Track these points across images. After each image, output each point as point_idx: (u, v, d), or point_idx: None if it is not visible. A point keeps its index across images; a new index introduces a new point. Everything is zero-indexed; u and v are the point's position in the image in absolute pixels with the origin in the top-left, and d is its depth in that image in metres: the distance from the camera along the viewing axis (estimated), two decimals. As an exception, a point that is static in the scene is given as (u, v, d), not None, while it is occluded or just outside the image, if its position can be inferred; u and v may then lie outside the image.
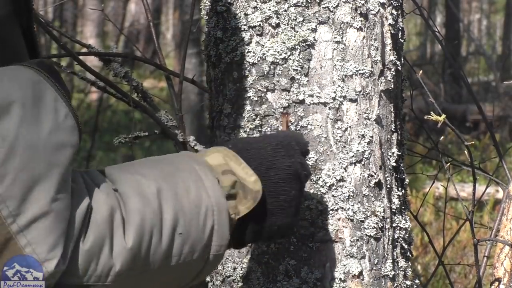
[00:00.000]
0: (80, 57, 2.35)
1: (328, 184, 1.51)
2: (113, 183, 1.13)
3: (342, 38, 1.52)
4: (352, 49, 1.53)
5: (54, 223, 1.02)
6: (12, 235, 1.00)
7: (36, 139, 1.02)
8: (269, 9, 1.51)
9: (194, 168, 1.20)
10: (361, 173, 1.52)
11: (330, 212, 1.51)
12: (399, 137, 1.61)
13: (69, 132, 1.06)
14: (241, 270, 1.54)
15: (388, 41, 1.57)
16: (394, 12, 1.58)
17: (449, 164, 2.21)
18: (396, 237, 1.59)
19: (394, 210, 1.59)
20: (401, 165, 1.64)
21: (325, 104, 1.51)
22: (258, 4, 1.52)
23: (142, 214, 1.10)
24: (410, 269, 1.63)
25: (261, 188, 1.24)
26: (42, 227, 1.01)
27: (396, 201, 1.59)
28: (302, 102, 1.51)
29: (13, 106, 1.01)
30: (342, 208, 1.51)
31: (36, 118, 1.03)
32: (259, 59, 1.52)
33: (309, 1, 1.51)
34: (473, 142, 2.07)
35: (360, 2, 1.52)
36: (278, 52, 1.50)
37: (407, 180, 1.66)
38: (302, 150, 1.33)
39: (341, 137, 1.51)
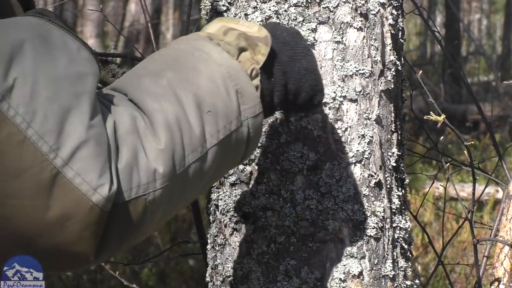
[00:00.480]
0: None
1: (328, 184, 1.51)
2: (125, 93, 1.12)
3: (342, 38, 1.52)
4: (352, 49, 1.53)
5: (96, 149, 1.01)
6: (58, 169, 0.99)
7: (55, 72, 1.01)
8: (269, 9, 1.51)
9: (194, 46, 1.19)
10: (361, 173, 1.52)
11: (330, 212, 1.51)
12: (399, 137, 1.61)
13: (87, 62, 1.06)
14: (241, 270, 1.54)
15: (388, 41, 1.57)
16: (394, 12, 1.58)
17: (449, 164, 2.21)
18: (396, 237, 1.59)
19: (394, 210, 1.59)
20: (401, 165, 1.64)
21: (325, 104, 1.51)
22: (258, 4, 1.52)
23: (162, 110, 1.09)
24: (410, 269, 1.63)
25: (267, 33, 1.23)
26: (86, 155, 1.00)
27: (396, 201, 1.59)
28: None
29: (25, 45, 1.01)
30: (342, 208, 1.51)
31: (49, 54, 1.02)
32: (259, 59, 1.52)
33: (309, 1, 1.51)
34: (473, 142, 2.07)
35: (360, 2, 1.52)
36: (278, 52, 1.50)
37: (407, 180, 1.66)
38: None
39: (341, 137, 1.51)
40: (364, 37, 1.53)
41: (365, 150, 1.53)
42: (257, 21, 1.51)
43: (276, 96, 1.27)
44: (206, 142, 1.13)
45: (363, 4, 1.53)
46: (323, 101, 1.46)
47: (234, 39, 1.21)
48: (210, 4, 1.59)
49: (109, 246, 1.05)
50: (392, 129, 1.59)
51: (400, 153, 1.61)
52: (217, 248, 1.60)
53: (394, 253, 1.58)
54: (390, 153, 1.59)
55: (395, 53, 1.59)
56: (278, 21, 1.50)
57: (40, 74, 1.00)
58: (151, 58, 1.21)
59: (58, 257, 1.03)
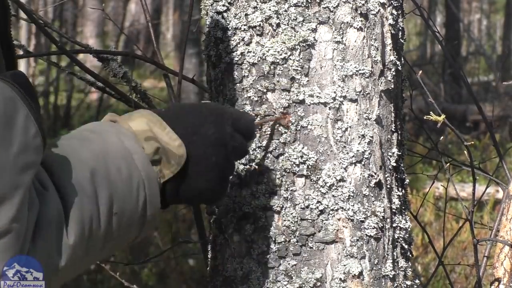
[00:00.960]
0: (80, 57, 2.35)
1: (328, 184, 1.50)
2: (51, 174, 1.13)
3: (342, 38, 1.52)
4: (352, 49, 1.53)
5: (12, 242, 1.04)
6: None
7: (4, 160, 1.03)
8: (269, 9, 1.51)
9: (122, 143, 1.22)
10: (361, 173, 1.52)
11: (330, 212, 1.51)
12: (399, 137, 1.61)
13: (36, 152, 1.07)
14: (241, 270, 1.54)
15: (388, 41, 1.57)
16: (394, 12, 1.58)
17: (449, 164, 2.21)
18: (396, 237, 1.59)
19: (394, 210, 1.58)
20: (401, 165, 1.64)
21: (325, 104, 1.51)
22: (258, 4, 1.52)
23: (80, 206, 1.13)
24: (410, 269, 1.63)
25: (185, 152, 1.27)
26: (1, 245, 1.03)
27: (396, 201, 1.59)
28: (302, 102, 1.51)
29: None
30: (342, 208, 1.51)
31: (6, 138, 1.03)
32: (259, 59, 1.52)
33: (309, 1, 1.51)
34: (473, 142, 2.07)
35: (360, 2, 1.52)
36: (278, 52, 1.50)
37: (407, 180, 1.66)
38: (239, 127, 1.35)
39: (341, 137, 1.51)
40: (364, 37, 1.53)
41: (365, 150, 1.53)
42: (257, 21, 1.51)
43: (168, 201, 1.32)
44: (106, 239, 1.18)
45: (363, 4, 1.53)
46: (323, 101, 1.50)
47: (151, 152, 1.24)
48: (210, 4, 1.59)
49: None
50: (392, 129, 1.59)
51: (400, 153, 1.61)
52: (217, 248, 1.60)
53: (394, 253, 1.58)
54: (390, 153, 1.59)
55: (395, 53, 1.59)
56: (278, 21, 1.50)
57: None
58: (77, 139, 1.22)
59: None
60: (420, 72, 2.07)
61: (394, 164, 1.59)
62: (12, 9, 1.26)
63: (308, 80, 1.51)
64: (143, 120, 1.27)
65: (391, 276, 1.56)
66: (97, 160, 1.18)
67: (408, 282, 1.62)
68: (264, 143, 1.52)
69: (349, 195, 1.51)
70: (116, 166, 1.19)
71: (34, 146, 1.07)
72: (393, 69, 1.57)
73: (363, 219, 1.52)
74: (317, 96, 1.50)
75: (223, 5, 1.55)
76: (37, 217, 1.07)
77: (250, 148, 1.51)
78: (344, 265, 1.51)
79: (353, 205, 1.51)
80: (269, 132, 1.52)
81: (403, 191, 1.64)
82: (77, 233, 1.12)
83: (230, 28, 1.55)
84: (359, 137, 1.53)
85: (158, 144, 1.25)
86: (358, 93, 1.53)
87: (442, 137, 2.49)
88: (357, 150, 1.52)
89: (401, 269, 1.60)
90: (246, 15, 1.53)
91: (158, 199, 1.25)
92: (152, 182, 1.23)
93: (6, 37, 1.22)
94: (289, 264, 1.51)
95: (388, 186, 1.57)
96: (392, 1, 1.57)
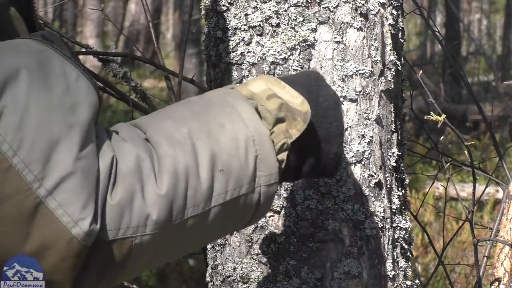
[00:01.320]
0: (80, 57, 2.36)
1: (328, 184, 1.50)
2: (144, 132, 1.11)
3: (342, 38, 1.52)
4: (352, 49, 1.53)
5: (81, 182, 1.00)
6: (41, 199, 0.99)
7: (49, 101, 1.01)
8: (269, 9, 1.51)
9: (227, 101, 1.16)
10: (361, 173, 1.52)
11: (330, 212, 1.51)
12: (399, 137, 1.61)
13: (84, 92, 1.05)
14: (241, 270, 1.54)
15: (388, 41, 1.57)
16: (394, 12, 1.58)
17: (449, 164, 2.21)
18: (396, 237, 1.59)
19: (394, 210, 1.59)
20: (401, 165, 1.64)
21: (325, 104, 1.51)
22: (258, 4, 1.52)
23: (174, 158, 1.07)
24: (410, 269, 1.63)
25: (309, 108, 1.19)
26: (70, 187, 0.99)
27: (396, 201, 1.59)
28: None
29: (20, 73, 1.01)
30: (342, 208, 1.51)
31: (45, 82, 1.02)
32: (259, 59, 1.52)
33: (309, 1, 1.51)
34: (473, 142, 2.07)
35: (360, 2, 1.52)
36: (278, 52, 1.50)
37: (407, 180, 1.66)
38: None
39: (341, 137, 1.51)
40: (364, 37, 1.53)
41: (365, 150, 1.53)
42: (257, 21, 1.51)
43: (303, 171, 1.24)
44: (211, 200, 1.10)
45: (363, 4, 1.53)
46: None
47: (275, 108, 1.17)
48: (210, 4, 1.59)
49: (87, 281, 1.04)
50: (392, 129, 1.59)
51: (400, 153, 1.61)
52: (217, 248, 1.60)
53: (394, 253, 1.58)
54: (390, 153, 1.59)
55: (395, 53, 1.59)
56: (278, 21, 1.50)
57: (32, 102, 1.00)
58: (180, 103, 1.19)
59: None
60: (420, 72, 2.07)
61: (394, 164, 1.59)
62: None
63: (308, 80, 1.51)
64: (261, 82, 1.20)
65: (391, 276, 1.56)
66: (197, 118, 1.13)
67: (408, 282, 1.62)
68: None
69: (349, 195, 1.51)
70: (219, 122, 1.13)
71: (79, 87, 1.04)
72: (393, 69, 1.57)
73: (363, 219, 1.52)
74: (317, 96, 1.50)
75: (223, 5, 1.55)
76: (113, 165, 1.03)
77: None
78: (344, 265, 1.51)
79: (353, 205, 1.51)
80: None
81: (403, 191, 1.64)
82: (169, 184, 1.06)
83: (230, 28, 1.55)
84: (359, 137, 1.53)
85: (281, 101, 1.18)
86: (358, 93, 1.53)
87: (442, 137, 2.50)
88: (357, 150, 1.52)
89: (401, 269, 1.60)
90: (246, 15, 1.53)
91: (273, 157, 1.15)
92: (263, 137, 1.14)
93: (31, 23, 1.21)
94: (289, 264, 1.51)
95: (388, 186, 1.57)
96: (392, 1, 1.57)
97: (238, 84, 1.24)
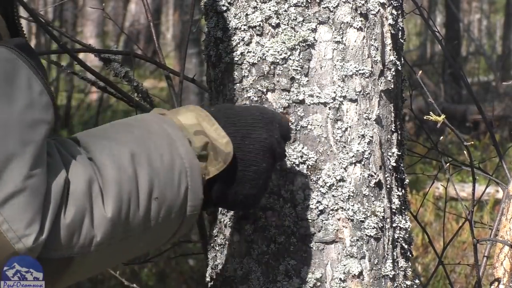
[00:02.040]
0: (80, 57, 2.35)
1: (328, 184, 1.51)
2: (87, 151, 1.13)
3: (342, 38, 1.52)
4: (352, 49, 1.53)
5: (29, 200, 1.02)
6: None
7: (8, 117, 1.02)
8: (269, 9, 1.51)
9: (165, 130, 1.21)
10: (361, 173, 1.52)
11: (330, 212, 1.51)
12: (399, 137, 1.61)
13: (44, 109, 1.06)
14: (241, 270, 1.54)
15: (388, 41, 1.57)
16: (394, 12, 1.58)
17: (449, 164, 2.21)
18: (396, 237, 1.59)
19: (394, 210, 1.59)
20: (401, 165, 1.64)
21: (325, 104, 1.51)
22: (258, 4, 1.52)
23: (119, 183, 1.11)
24: (410, 269, 1.63)
25: (232, 150, 1.25)
26: (18, 204, 1.01)
27: (396, 201, 1.59)
28: (302, 102, 1.51)
29: None
30: (342, 208, 1.51)
31: (8, 96, 1.02)
32: (259, 59, 1.52)
33: (309, 1, 1.51)
34: (473, 142, 2.07)
35: (360, 2, 1.52)
36: (278, 52, 1.50)
37: (407, 180, 1.66)
38: (282, 133, 1.34)
39: (341, 137, 1.51)
40: (364, 37, 1.53)
41: (365, 150, 1.53)
42: (257, 21, 1.51)
43: (210, 203, 1.30)
44: (145, 225, 1.16)
45: (363, 4, 1.53)
46: (323, 101, 1.50)
47: (200, 146, 1.22)
48: (210, 4, 1.59)
49: None
50: (392, 129, 1.59)
51: (400, 153, 1.61)
52: (217, 248, 1.60)
53: (394, 253, 1.58)
54: (390, 153, 1.59)
55: (395, 53, 1.59)
56: (278, 21, 1.50)
57: None
58: (119, 124, 1.22)
59: None
60: (420, 72, 2.07)
61: (394, 164, 1.59)
62: None
63: (308, 80, 1.51)
64: (192, 114, 1.25)
65: (391, 276, 1.56)
66: (139, 144, 1.16)
67: (408, 282, 1.62)
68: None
69: (349, 195, 1.51)
70: (158, 151, 1.17)
71: (41, 103, 1.05)
72: (393, 69, 1.57)
73: (363, 219, 1.52)
74: (317, 96, 1.51)
75: (223, 5, 1.55)
76: (66, 185, 1.06)
77: None
78: (344, 265, 1.51)
79: (353, 205, 1.51)
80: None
81: (403, 191, 1.64)
82: (115, 208, 1.10)
83: (230, 28, 1.55)
84: (359, 137, 1.53)
85: (207, 139, 1.23)
86: (358, 93, 1.53)
87: (442, 137, 2.49)
88: (357, 150, 1.52)
89: (401, 269, 1.60)
90: (246, 15, 1.53)
91: (200, 190, 1.22)
92: (195, 171, 1.21)
93: (14, 27, 1.22)
94: (289, 264, 1.51)
95: (388, 186, 1.57)
96: (392, 1, 1.57)
97: (168, 111, 1.28)
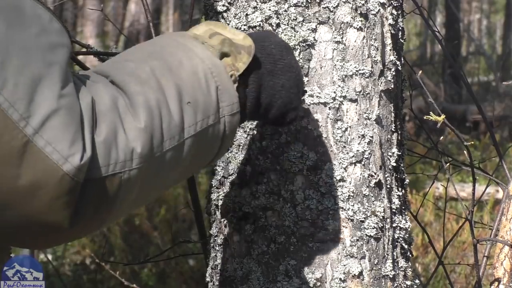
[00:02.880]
0: (80, 57, 2.35)
1: (328, 184, 1.51)
2: (107, 76, 1.12)
3: (342, 38, 1.52)
4: (352, 49, 1.53)
5: (67, 119, 1.01)
6: (29, 138, 0.99)
7: (27, 41, 1.01)
8: (269, 9, 1.51)
9: (178, 41, 1.21)
10: (361, 173, 1.52)
11: (330, 212, 1.51)
12: (399, 137, 1.61)
13: (59, 34, 1.06)
14: (241, 270, 1.54)
15: (388, 41, 1.57)
16: (394, 12, 1.58)
17: (449, 164, 2.21)
18: (396, 237, 1.59)
19: (394, 210, 1.59)
20: (401, 165, 1.64)
21: (325, 104, 1.51)
22: (258, 4, 1.52)
23: (144, 94, 1.10)
24: (410, 269, 1.63)
25: (252, 43, 1.24)
26: (57, 124, 1.00)
27: (396, 201, 1.59)
28: (302, 102, 1.51)
29: None
30: (342, 208, 1.51)
31: (21, 24, 1.02)
32: (259, 59, 1.52)
33: (309, 1, 1.51)
34: (473, 142, 2.07)
35: (360, 2, 1.52)
36: (278, 52, 1.50)
37: (407, 180, 1.67)
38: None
39: (341, 137, 1.51)
40: (364, 37, 1.53)
41: (365, 150, 1.53)
42: (257, 21, 1.52)
43: (248, 106, 1.27)
44: (184, 131, 1.14)
45: (363, 4, 1.53)
46: (323, 101, 1.47)
47: (218, 43, 1.22)
48: (210, 4, 1.59)
49: (82, 218, 1.04)
50: (392, 129, 1.59)
51: (400, 153, 1.61)
52: (217, 248, 1.60)
53: (394, 253, 1.58)
54: (390, 153, 1.59)
55: (395, 53, 1.59)
56: (278, 21, 1.51)
57: (11, 42, 1.00)
58: (135, 48, 1.22)
59: (31, 228, 1.03)
60: (420, 72, 2.07)
61: (394, 164, 1.59)
62: None
63: (308, 80, 1.51)
64: (203, 25, 1.25)
65: (391, 276, 1.56)
66: (155, 57, 1.16)
67: (408, 282, 1.62)
68: (264, 143, 1.52)
69: (349, 195, 1.51)
70: (177, 59, 1.16)
71: (53, 28, 1.05)
72: (393, 69, 1.57)
73: (363, 219, 1.52)
74: (317, 96, 1.51)
75: (223, 5, 1.55)
76: (93, 105, 1.05)
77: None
78: (344, 265, 1.51)
79: (353, 205, 1.51)
80: (269, 132, 1.51)
81: (403, 191, 1.64)
82: (146, 117, 1.08)
83: (230, 28, 1.54)
84: (359, 137, 1.53)
85: (223, 37, 1.23)
86: (358, 93, 1.53)
87: (442, 137, 2.49)
88: (357, 150, 1.52)
89: (401, 269, 1.60)
90: (246, 15, 1.53)
91: (231, 86, 1.20)
92: (221, 69, 1.19)
93: None
94: (289, 264, 1.51)
95: (388, 186, 1.57)
96: (392, 1, 1.57)
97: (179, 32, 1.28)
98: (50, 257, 5.08)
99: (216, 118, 1.18)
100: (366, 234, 1.53)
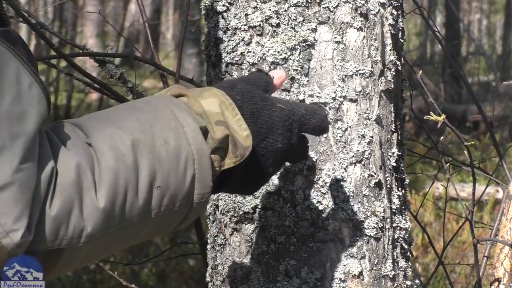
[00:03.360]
0: (79, 58, 2.35)
1: (328, 184, 1.51)
2: (87, 135, 1.10)
3: (342, 38, 1.52)
4: (352, 49, 1.53)
5: (18, 194, 1.00)
6: None
7: None
8: (269, 9, 1.51)
9: (174, 114, 1.17)
10: (361, 173, 1.52)
11: (330, 212, 1.51)
12: (399, 137, 1.61)
13: (35, 101, 1.04)
14: (241, 270, 1.54)
15: (388, 41, 1.57)
16: (394, 12, 1.58)
17: (449, 164, 2.21)
18: (396, 237, 1.59)
19: (394, 210, 1.59)
20: (401, 165, 1.64)
21: (325, 104, 1.51)
22: (258, 4, 1.52)
23: (116, 171, 1.08)
24: (410, 269, 1.63)
25: (251, 144, 1.21)
26: (6, 198, 1.00)
27: (396, 201, 1.59)
28: (302, 102, 1.51)
29: None
30: (342, 208, 1.51)
31: None
32: (259, 59, 1.52)
33: (309, 1, 1.51)
34: (473, 142, 2.07)
35: (360, 2, 1.52)
36: (278, 52, 1.50)
37: (407, 180, 1.66)
38: (307, 129, 1.30)
39: (341, 137, 1.51)
40: (364, 37, 1.53)
41: (365, 150, 1.53)
42: (257, 21, 1.51)
43: (223, 188, 1.28)
44: (145, 214, 1.12)
45: (363, 4, 1.53)
46: (323, 101, 1.48)
47: (220, 138, 1.19)
48: (210, 4, 1.59)
49: None
50: (392, 129, 1.59)
51: (400, 153, 1.61)
52: (217, 248, 1.60)
53: (394, 253, 1.58)
54: (390, 153, 1.59)
55: (395, 53, 1.59)
56: (278, 21, 1.50)
57: None
58: (125, 108, 1.18)
59: None
60: (420, 72, 2.07)
61: (394, 164, 1.59)
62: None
63: (308, 80, 1.51)
64: (215, 101, 1.21)
65: (391, 276, 1.56)
66: (143, 130, 1.13)
67: (408, 282, 1.62)
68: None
69: (349, 195, 1.51)
70: (163, 137, 1.13)
71: (30, 95, 1.03)
72: (393, 69, 1.57)
73: (363, 219, 1.52)
74: (317, 96, 1.51)
75: (223, 5, 1.55)
76: (53, 176, 1.03)
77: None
78: (344, 265, 1.51)
79: (353, 205, 1.51)
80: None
81: (403, 191, 1.64)
82: (108, 198, 1.06)
83: (230, 28, 1.55)
84: (359, 137, 1.53)
85: (228, 132, 1.19)
86: (358, 93, 1.53)
87: (442, 137, 2.49)
88: (357, 150, 1.52)
89: (401, 269, 1.60)
90: (246, 15, 1.53)
91: (209, 178, 1.17)
92: (203, 157, 1.16)
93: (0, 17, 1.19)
94: (289, 264, 1.51)
95: (388, 186, 1.57)
96: (392, 1, 1.57)
97: (190, 91, 1.23)
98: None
99: (183, 204, 1.16)
100: (366, 234, 1.53)
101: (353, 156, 1.52)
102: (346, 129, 1.52)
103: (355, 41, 1.53)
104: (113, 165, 1.08)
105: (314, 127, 1.30)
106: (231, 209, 1.55)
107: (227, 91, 1.23)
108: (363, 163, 1.53)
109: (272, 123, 1.26)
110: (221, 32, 1.56)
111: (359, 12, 1.52)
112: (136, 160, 1.10)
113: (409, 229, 1.63)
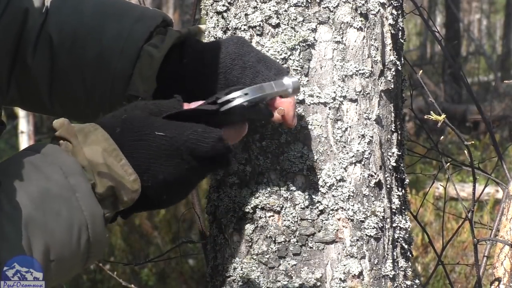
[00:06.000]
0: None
1: (328, 184, 1.51)
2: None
3: (342, 38, 1.52)
4: (352, 49, 1.53)
5: None
6: None
7: None
8: (269, 9, 1.51)
9: (65, 179, 1.16)
10: (361, 173, 1.52)
11: (330, 212, 1.51)
12: (399, 137, 1.61)
13: None
14: (241, 270, 1.54)
15: (388, 41, 1.57)
16: (394, 12, 1.58)
17: (449, 164, 2.21)
18: (396, 237, 1.59)
19: (394, 210, 1.59)
20: (401, 165, 1.64)
21: (325, 104, 1.51)
22: (258, 4, 1.52)
23: (11, 251, 1.09)
24: (410, 269, 1.63)
25: (139, 187, 1.20)
26: None
27: (396, 201, 1.59)
28: (302, 102, 1.51)
29: None
30: (342, 208, 1.51)
31: None
32: (259, 59, 1.52)
33: (309, 1, 1.51)
34: (473, 142, 2.07)
35: (360, 2, 1.52)
36: (278, 52, 1.50)
37: (407, 180, 1.66)
38: (198, 155, 1.24)
39: (341, 137, 1.51)
40: (364, 37, 1.53)
41: (365, 150, 1.53)
42: (257, 21, 1.51)
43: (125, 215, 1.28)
44: (47, 282, 1.14)
45: (363, 4, 1.53)
46: (323, 101, 1.47)
47: (103, 192, 1.19)
48: (210, 4, 1.59)
49: None
50: (392, 129, 1.59)
51: (400, 153, 1.61)
52: (217, 248, 1.60)
53: (394, 253, 1.58)
54: (390, 153, 1.59)
55: (395, 53, 1.59)
56: (278, 21, 1.50)
57: None
58: (21, 178, 1.16)
59: None
60: (420, 72, 2.07)
61: (394, 164, 1.59)
62: None
63: (308, 80, 1.51)
64: (98, 149, 1.19)
65: (391, 276, 1.56)
66: (34, 206, 1.13)
67: (408, 282, 1.62)
68: (264, 143, 1.51)
69: (349, 195, 1.51)
70: (55, 210, 1.14)
71: None
72: (393, 69, 1.57)
73: (363, 219, 1.52)
74: (317, 96, 1.51)
75: (223, 5, 1.55)
76: None
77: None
78: (344, 265, 1.51)
79: (353, 205, 1.51)
80: (269, 132, 1.51)
81: (403, 191, 1.64)
82: None
83: (230, 28, 1.54)
84: (359, 137, 1.53)
85: (112, 183, 1.18)
86: (358, 93, 1.53)
87: (442, 137, 2.50)
88: (357, 150, 1.52)
89: (401, 269, 1.60)
90: (246, 15, 1.53)
91: (104, 237, 1.20)
92: (97, 220, 1.18)
93: None
94: (289, 264, 1.51)
95: (388, 186, 1.57)
96: (392, 1, 1.57)
97: (75, 135, 1.20)
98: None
99: (80, 265, 1.19)
100: (366, 234, 1.53)
101: (353, 156, 1.52)
102: (346, 129, 1.52)
103: (355, 41, 1.53)
104: (5, 246, 1.09)
105: (207, 151, 1.24)
106: (231, 209, 1.55)
107: (110, 129, 1.21)
108: (363, 163, 1.53)
109: (149, 154, 1.22)
110: (221, 32, 1.56)
111: (359, 12, 1.52)
112: (28, 240, 1.11)
113: (409, 229, 1.63)
